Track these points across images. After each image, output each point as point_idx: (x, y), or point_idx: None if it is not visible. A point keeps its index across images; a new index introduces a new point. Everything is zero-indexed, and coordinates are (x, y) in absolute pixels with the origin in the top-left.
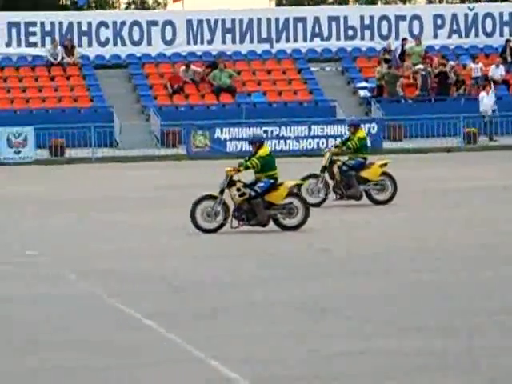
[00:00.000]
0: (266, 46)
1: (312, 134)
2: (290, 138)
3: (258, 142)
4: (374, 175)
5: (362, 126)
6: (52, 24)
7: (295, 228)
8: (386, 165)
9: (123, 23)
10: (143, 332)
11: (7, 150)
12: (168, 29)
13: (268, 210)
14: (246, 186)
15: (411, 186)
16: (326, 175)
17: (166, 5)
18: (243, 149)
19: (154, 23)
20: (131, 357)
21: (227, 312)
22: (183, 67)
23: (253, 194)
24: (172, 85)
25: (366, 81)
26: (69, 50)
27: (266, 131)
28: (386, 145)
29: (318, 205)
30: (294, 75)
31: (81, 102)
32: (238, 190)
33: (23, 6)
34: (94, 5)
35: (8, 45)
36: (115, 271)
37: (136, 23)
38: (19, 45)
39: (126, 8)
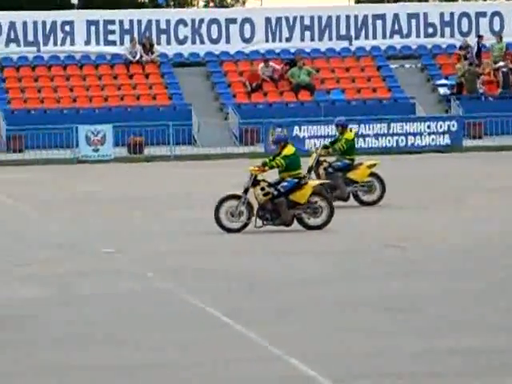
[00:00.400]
0: (345, 44)
1: (391, 131)
2: (369, 135)
3: (282, 142)
4: (361, 176)
5: (351, 126)
6: (131, 22)
7: (319, 227)
8: (374, 165)
9: (202, 21)
10: (222, 330)
11: (86, 147)
12: (247, 26)
13: (292, 210)
14: (270, 185)
15: (488, 184)
16: (313, 176)
17: (244, 2)
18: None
19: (233, 21)
20: (210, 354)
21: (306, 309)
22: (262, 64)
23: (276, 193)
24: (251, 82)
25: (446, 78)
26: (147, 48)
27: None
28: (466, 143)
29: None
30: (373, 72)
31: (159, 100)
32: (262, 189)
33: (102, 5)
34: (172, 3)
35: (87, 43)
36: (192, 269)
37: (215, 21)
38: (98, 43)
39: (205, 6)
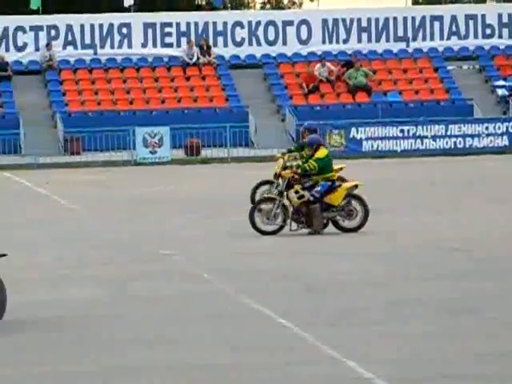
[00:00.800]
0: (402, 45)
1: (449, 133)
2: (426, 137)
3: (315, 144)
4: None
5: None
6: (188, 24)
7: (354, 230)
8: (341, 169)
9: (259, 23)
10: (278, 331)
11: (143, 149)
12: (303, 28)
13: (326, 212)
14: (304, 188)
15: None
16: (280, 181)
17: (301, 4)
18: (379, 148)
19: (290, 23)
20: (266, 356)
21: (363, 311)
22: (318, 65)
23: (312, 199)
24: (307, 84)
25: (504, 79)
26: (204, 50)
27: (402, 130)
28: None
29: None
30: (431, 74)
31: (216, 102)
32: (297, 192)
33: (159, 7)
34: (229, 5)
35: (144, 46)
36: (248, 270)
37: (271, 23)
38: (155, 45)
39: (262, 8)
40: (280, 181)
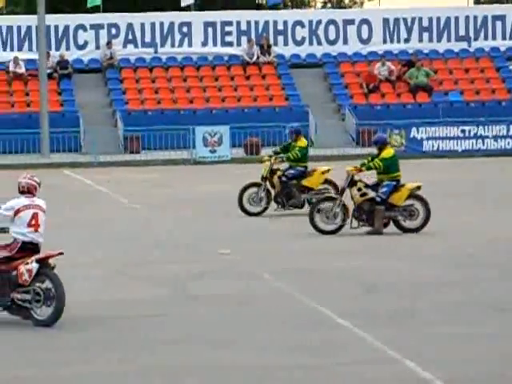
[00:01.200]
0: (464, 45)
1: (510, 133)
2: (487, 137)
3: (381, 143)
4: (316, 183)
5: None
6: (248, 23)
7: (415, 230)
8: (328, 171)
9: (319, 22)
10: (338, 331)
11: (203, 148)
12: (364, 27)
13: (388, 212)
14: (367, 186)
15: None
16: (268, 184)
17: (362, 3)
18: (440, 148)
19: (351, 22)
20: (326, 356)
21: (423, 312)
22: (379, 64)
23: (379, 200)
24: (368, 83)
25: None
26: (265, 49)
27: (463, 130)
28: None
29: (259, 214)
30: (493, 74)
31: (276, 101)
32: (359, 189)
33: (219, 6)
34: (289, 4)
35: (204, 44)
36: (307, 269)
37: (332, 22)
38: (215, 44)
39: (322, 7)
40: (267, 183)
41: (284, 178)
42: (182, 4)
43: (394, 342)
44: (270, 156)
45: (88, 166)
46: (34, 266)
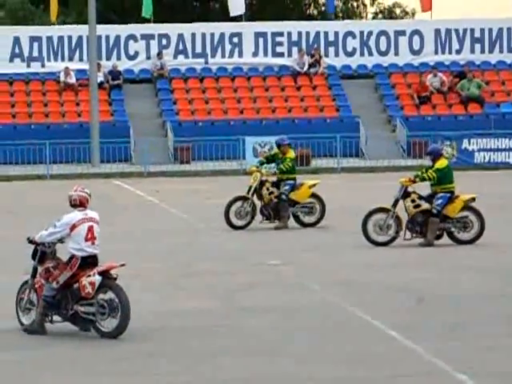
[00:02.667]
0: None
1: None
2: None
3: (434, 154)
4: (303, 197)
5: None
6: (299, 34)
7: (469, 242)
8: (314, 185)
9: (370, 33)
10: (388, 344)
11: (253, 159)
12: (415, 38)
13: (442, 223)
14: (421, 197)
15: None
16: (255, 197)
17: (414, 14)
18: (491, 160)
19: (402, 33)
20: (377, 369)
21: (475, 324)
22: (430, 75)
23: (435, 212)
24: (419, 95)
25: None
26: (316, 59)
27: None
28: None
29: (244, 227)
30: None
31: (327, 112)
32: (413, 201)
33: (270, 17)
34: (341, 15)
35: (255, 55)
36: (358, 281)
37: (383, 33)
38: (266, 55)
39: (373, 18)
40: (255, 197)
41: (284, 197)
42: (231, 14)
43: (446, 354)
44: (257, 167)
45: (138, 177)
46: (97, 279)
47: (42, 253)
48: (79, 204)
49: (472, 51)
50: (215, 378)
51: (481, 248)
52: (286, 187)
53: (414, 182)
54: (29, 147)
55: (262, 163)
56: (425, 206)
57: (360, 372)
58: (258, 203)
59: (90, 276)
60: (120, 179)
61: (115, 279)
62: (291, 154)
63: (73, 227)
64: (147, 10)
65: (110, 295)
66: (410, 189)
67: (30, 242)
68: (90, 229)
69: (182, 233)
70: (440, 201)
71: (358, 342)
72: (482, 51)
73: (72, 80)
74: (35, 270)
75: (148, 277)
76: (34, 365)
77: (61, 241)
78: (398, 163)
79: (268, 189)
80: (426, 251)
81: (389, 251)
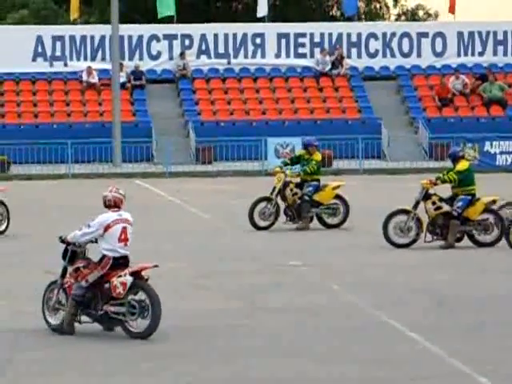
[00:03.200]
0: None
1: None
2: None
3: (454, 157)
4: (327, 198)
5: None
6: (321, 35)
7: (490, 245)
8: (338, 187)
9: (393, 34)
10: (408, 345)
11: (274, 160)
12: (438, 40)
13: (463, 226)
14: (441, 200)
15: None
16: (278, 198)
17: (437, 16)
18: None
19: (425, 35)
20: (396, 370)
21: (496, 326)
22: (453, 77)
23: (455, 214)
24: (441, 97)
25: None
26: (338, 61)
27: None
28: None
29: (267, 228)
30: None
31: (349, 114)
32: (434, 203)
33: (292, 18)
34: (363, 16)
35: (277, 56)
36: (378, 283)
37: (406, 35)
38: (288, 56)
39: (396, 19)
40: (278, 198)
41: (306, 197)
42: (258, 15)
43: (466, 356)
44: (281, 167)
45: (159, 177)
46: (129, 279)
47: (73, 252)
48: (114, 205)
49: (495, 54)
50: (238, 378)
51: (501, 250)
52: (310, 188)
53: (435, 184)
54: (51, 147)
55: (285, 164)
56: (445, 208)
57: (380, 373)
58: (282, 204)
59: (121, 276)
60: (141, 179)
61: (147, 280)
62: (318, 156)
63: (107, 228)
64: (165, 10)
65: (140, 296)
66: (431, 191)
67: (62, 241)
68: (124, 230)
69: (204, 233)
70: (461, 203)
71: (377, 342)
72: (505, 54)
73: (94, 80)
74: (65, 269)
75: (171, 277)
76: (55, 364)
77: (94, 241)
78: (419, 165)
79: (292, 190)
80: (446, 253)
81: (409, 253)
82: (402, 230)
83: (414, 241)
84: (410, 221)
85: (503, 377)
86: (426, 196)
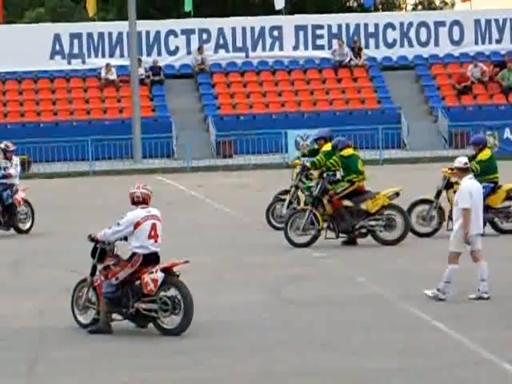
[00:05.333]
0: None
1: None
2: None
3: (480, 144)
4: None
5: None
6: (339, 26)
7: None
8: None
9: (410, 24)
10: (433, 334)
11: (295, 152)
12: (455, 29)
13: (484, 214)
14: None
15: None
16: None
17: (453, 5)
18: None
19: (442, 24)
20: (422, 359)
21: None
22: (471, 65)
23: None
24: (459, 85)
25: None
26: (356, 51)
27: None
28: None
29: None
30: None
31: (368, 104)
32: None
33: (310, 10)
34: (380, 6)
35: (295, 48)
36: (402, 273)
37: (423, 24)
38: (306, 48)
39: (413, 9)
40: (298, 192)
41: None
42: (277, 7)
43: (492, 344)
44: (299, 158)
45: (180, 172)
46: (160, 276)
47: (102, 250)
48: (142, 201)
49: None
50: (271, 372)
51: None
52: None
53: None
54: (71, 144)
55: (303, 155)
56: None
57: (406, 363)
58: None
59: (152, 273)
60: (162, 174)
61: (178, 276)
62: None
63: (137, 225)
64: (188, 3)
65: (172, 292)
66: (452, 179)
67: (92, 239)
68: (154, 226)
69: (227, 227)
70: (483, 191)
71: (403, 332)
72: None
73: (113, 76)
74: (94, 267)
75: (197, 271)
76: (92, 360)
77: (125, 239)
78: (440, 154)
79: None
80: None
81: (432, 242)
82: (424, 219)
83: (436, 230)
84: (433, 210)
85: None
86: (448, 185)
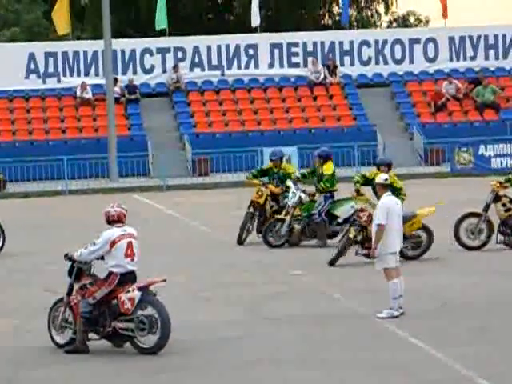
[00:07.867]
0: None
1: None
2: None
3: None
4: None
5: None
6: (314, 44)
7: None
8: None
9: (385, 41)
10: (411, 351)
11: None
12: (430, 46)
13: None
14: (511, 201)
15: None
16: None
17: (428, 22)
18: (508, 165)
19: (416, 41)
20: (402, 376)
21: (499, 331)
22: (446, 82)
23: None
24: (435, 102)
25: None
26: (331, 69)
27: None
28: None
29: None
30: None
31: (344, 121)
32: (504, 205)
33: (285, 27)
34: (355, 24)
35: (271, 66)
36: (377, 290)
37: (398, 41)
38: (282, 65)
39: (388, 26)
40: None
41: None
42: (253, 24)
43: (468, 360)
44: (256, 177)
45: (157, 190)
46: (137, 295)
47: (79, 270)
48: (117, 220)
49: (486, 58)
50: None
51: None
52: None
53: (506, 186)
54: (46, 163)
55: (253, 175)
56: None
57: (382, 380)
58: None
59: (129, 292)
60: (139, 193)
61: (155, 295)
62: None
63: (112, 243)
64: (161, 22)
65: (149, 311)
66: (500, 193)
67: (69, 259)
68: (130, 245)
69: (203, 245)
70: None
71: (379, 349)
72: (497, 57)
73: (88, 95)
74: (71, 287)
75: (172, 290)
76: (68, 380)
77: (102, 258)
78: (416, 170)
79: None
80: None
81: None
82: (473, 233)
83: (485, 243)
84: (481, 223)
85: (506, 382)
86: (496, 198)
